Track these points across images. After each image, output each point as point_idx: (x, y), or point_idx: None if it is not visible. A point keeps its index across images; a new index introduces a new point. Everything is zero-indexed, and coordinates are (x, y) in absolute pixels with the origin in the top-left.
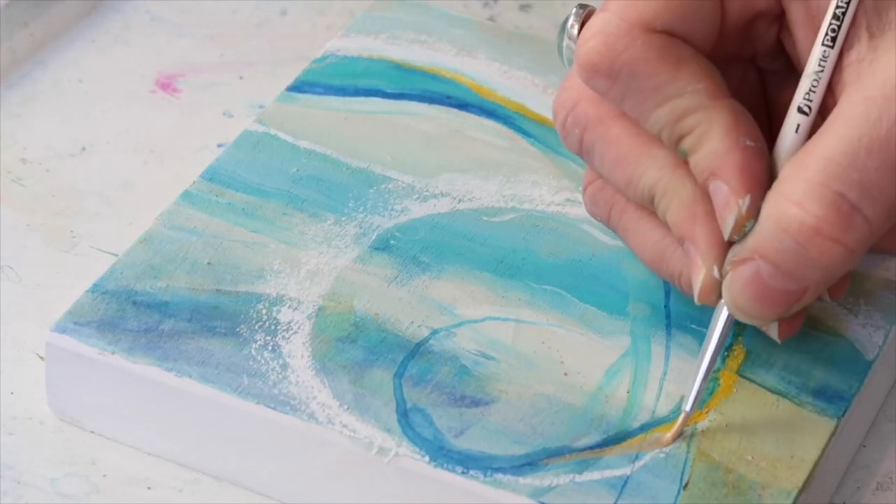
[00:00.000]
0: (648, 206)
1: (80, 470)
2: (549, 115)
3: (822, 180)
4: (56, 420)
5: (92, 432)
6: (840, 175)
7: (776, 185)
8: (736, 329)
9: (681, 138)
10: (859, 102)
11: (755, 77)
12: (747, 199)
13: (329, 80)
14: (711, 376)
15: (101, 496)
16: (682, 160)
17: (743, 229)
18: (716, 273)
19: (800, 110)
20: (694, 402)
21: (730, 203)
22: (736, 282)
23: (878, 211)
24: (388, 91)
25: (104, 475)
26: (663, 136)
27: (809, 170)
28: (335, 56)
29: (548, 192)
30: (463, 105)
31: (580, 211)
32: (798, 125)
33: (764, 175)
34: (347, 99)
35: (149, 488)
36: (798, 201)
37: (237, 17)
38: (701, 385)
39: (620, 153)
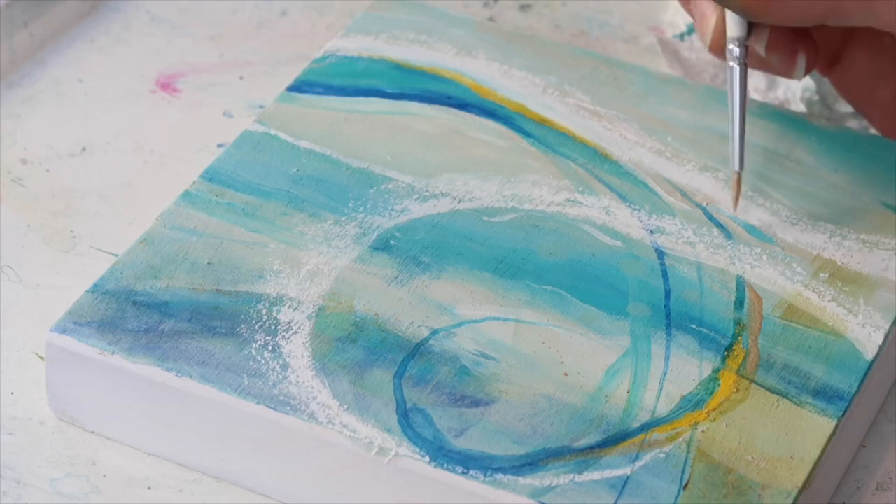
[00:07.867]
0: None
1: (80, 470)
2: (549, 115)
3: None
4: (56, 420)
5: (92, 432)
6: None
7: None
8: (735, 330)
9: None
10: None
11: None
12: None
13: (329, 80)
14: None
15: (101, 496)
16: None
17: None
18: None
19: None
20: (740, 159)
21: None
22: None
23: None
24: (388, 91)
25: (104, 475)
26: None
27: None
28: (335, 56)
29: (548, 192)
30: (463, 105)
31: (580, 211)
32: None
33: None
34: (347, 99)
35: (149, 488)
36: None
37: (237, 17)
38: (740, 140)
39: None
